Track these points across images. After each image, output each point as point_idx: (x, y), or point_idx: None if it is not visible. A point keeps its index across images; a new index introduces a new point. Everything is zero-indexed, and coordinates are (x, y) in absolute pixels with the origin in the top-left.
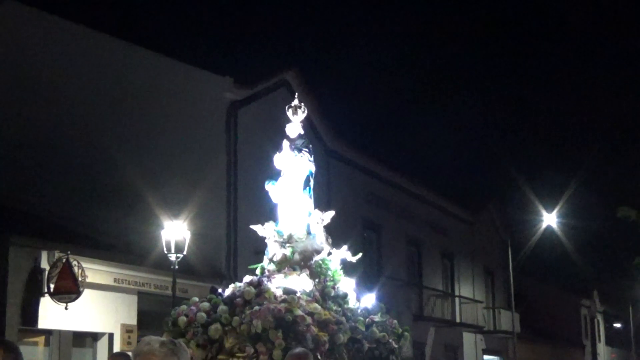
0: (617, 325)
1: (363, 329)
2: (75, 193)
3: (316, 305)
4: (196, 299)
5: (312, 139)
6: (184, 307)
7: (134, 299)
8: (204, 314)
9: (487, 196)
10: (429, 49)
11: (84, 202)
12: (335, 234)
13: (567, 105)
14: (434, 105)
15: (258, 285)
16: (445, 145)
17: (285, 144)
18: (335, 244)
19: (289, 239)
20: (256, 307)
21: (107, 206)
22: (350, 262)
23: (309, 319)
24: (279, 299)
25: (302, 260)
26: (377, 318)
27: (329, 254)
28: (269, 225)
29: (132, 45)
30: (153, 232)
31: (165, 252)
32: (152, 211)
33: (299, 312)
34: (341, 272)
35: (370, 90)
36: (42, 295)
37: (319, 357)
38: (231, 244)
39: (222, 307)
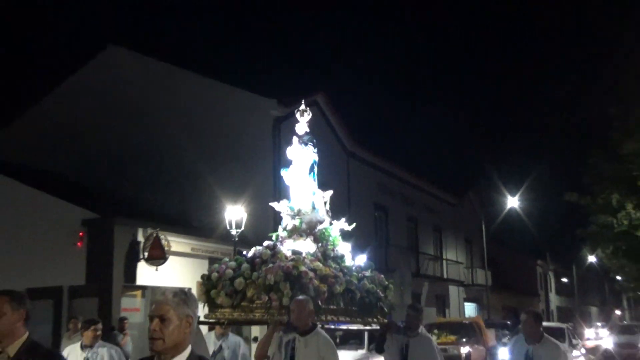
0: (564, 279)
1: (356, 281)
2: (162, 187)
3: (318, 263)
4: (227, 259)
5: (335, 143)
6: (216, 265)
7: (205, 263)
8: (231, 271)
9: (467, 185)
10: (425, 69)
11: (169, 194)
12: (355, 214)
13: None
14: (430, 114)
15: (273, 248)
16: (436, 145)
17: (295, 139)
18: (354, 221)
19: (298, 213)
20: (270, 265)
21: (186, 196)
22: (366, 235)
23: (311, 274)
24: (289, 259)
25: (307, 229)
26: (367, 273)
27: (331, 224)
28: (283, 202)
29: (200, 76)
30: (219, 214)
31: (228, 228)
32: (219, 198)
33: (303, 268)
34: (340, 238)
35: (378, 104)
36: (139, 260)
37: (320, 303)
38: (278, 220)
39: (245, 265)
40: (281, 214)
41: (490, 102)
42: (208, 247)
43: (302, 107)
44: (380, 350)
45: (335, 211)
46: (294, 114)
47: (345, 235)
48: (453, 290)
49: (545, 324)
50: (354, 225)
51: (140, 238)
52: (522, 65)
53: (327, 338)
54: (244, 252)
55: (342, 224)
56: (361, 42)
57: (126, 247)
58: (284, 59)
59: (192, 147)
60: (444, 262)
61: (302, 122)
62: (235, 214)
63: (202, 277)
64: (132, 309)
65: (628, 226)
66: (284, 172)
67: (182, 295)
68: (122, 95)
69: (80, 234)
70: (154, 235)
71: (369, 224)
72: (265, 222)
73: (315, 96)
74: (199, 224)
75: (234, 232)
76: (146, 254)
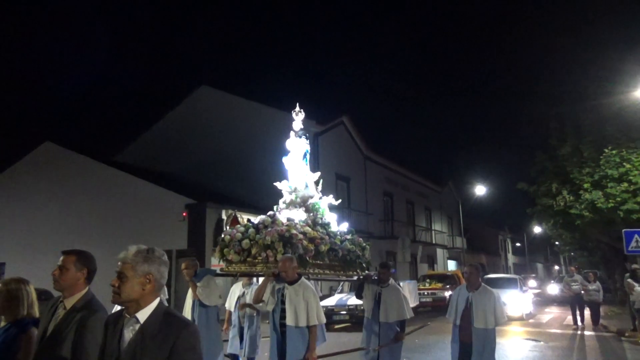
0: (518, 244)
1: (339, 243)
2: (239, 181)
3: (308, 228)
4: (240, 226)
5: (355, 150)
6: (230, 230)
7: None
8: (240, 234)
9: (448, 177)
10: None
11: (244, 185)
12: (370, 199)
13: (491, 127)
14: (422, 127)
15: (273, 216)
16: (425, 148)
17: (292, 133)
18: (369, 204)
19: (295, 190)
20: (269, 229)
21: (254, 187)
22: (378, 213)
23: (301, 236)
24: (284, 224)
25: (301, 202)
26: (349, 237)
27: (320, 198)
28: (284, 182)
29: (260, 104)
30: (277, 199)
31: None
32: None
33: (294, 231)
34: (327, 210)
35: (385, 118)
36: (223, 231)
37: (307, 258)
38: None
39: (251, 230)
40: (282, 191)
41: (464, 115)
42: None
43: (297, 108)
44: (359, 297)
45: (356, 199)
46: (329, 130)
47: (363, 212)
48: (439, 251)
49: (504, 275)
50: (340, 200)
51: (224, 216)
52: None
53: (310, 286)
54: (252, 221)
55: (330, 199)
56: (375, 70)
57: (214, 222)
58: (318, 87)
59: (257, 153)
60: (433, 232)
61: (297, 120)
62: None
63: (219, 238)
64: (218, 265)
65: (564, 207)
66: (284, 159)
67: (144, 253)
68: (211, 118)
69: (184, 214)
70: (233, 214)
71: (380, 206)
72: None
73: (342, 117)
74: (263, 205)
75: None
76: (228, 227)
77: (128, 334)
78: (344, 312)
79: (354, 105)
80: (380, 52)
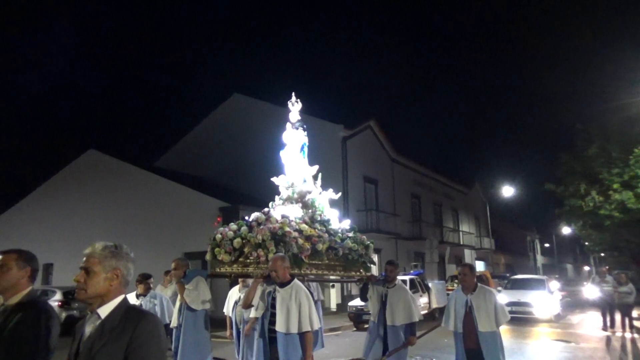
0: (546, 245)
1: (339, 241)
2: (269, 186)
3: (304, 225)
4: (232, 224)
5: (383, 153)
6: (221, 228)
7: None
8: (231, 232)
9: (474, 178)
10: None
11: (273, 190)
12: (398, 202)
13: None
14: (449, 129)
15: (267, 213)
16: (452, 150)
17: (288, 125)
18: (397, 207)
19: (292, 185)
20: (262, 226)
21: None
22: (406, 215)
23: (295, 234)
24: (279, 221)
25: (298, 198)
26: (350, 234)
27: (320, 193)
28: (281, 176)
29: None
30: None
31: None
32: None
33: (287, 228)
34: (328, 205)
35: (412, 120)
36: None
37: (303, 258)
38: (345, 206)
39: (243, 227)
40: (279, 187)
41: (490, 116)
42: None
43: (293, 98)
44: (363, 299)
45: (384, 201)
46: (357, 134)
47: (391, 214)
48: (467, 252)
49: (531, 275)
50: (339, 194)
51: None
52: (518, 89)
53: (303, 288)
54: (246, 217)
55: (330, 193)
56: (402, 74)
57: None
58: (346, 92)
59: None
60: (460, 233)
61: (294, 111)
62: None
63: (210, 237)
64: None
65: (593, 207)
66: (282, 153)
67: (111, 248)
68: (243, 124)
69: (218, 219)
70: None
71: (408, 208)
72: (336, 207)
73: (369, 121)
74: None
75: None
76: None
77: (89, 329)
78: None
79: (381, 109)
80: (407, 55)
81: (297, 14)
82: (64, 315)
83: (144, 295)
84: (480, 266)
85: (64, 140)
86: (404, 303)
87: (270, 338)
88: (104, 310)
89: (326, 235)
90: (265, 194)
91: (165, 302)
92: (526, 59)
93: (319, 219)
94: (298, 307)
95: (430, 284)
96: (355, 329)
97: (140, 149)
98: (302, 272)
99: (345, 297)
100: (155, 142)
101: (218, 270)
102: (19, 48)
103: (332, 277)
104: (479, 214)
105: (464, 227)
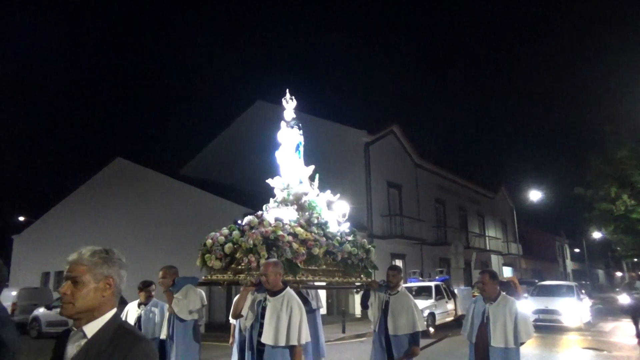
0: (576, 250)
1: (337, 244)
2: None
3: (300, 229)
4: (225, 228)
5: (406, 158)
6: (212, 233)
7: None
8: (223, 237)
9: (500, 182)
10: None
11: None
12: (422, 207)
13: (544, 131)
14: (472, 132)
15: (260, 216)
16: (477, 153)
17: (283, 124)
18: (421, 212)
19: (287, 186)
20: (253, 230)
21: None
22: (430, 220)
23: (289, 238)
24: (272, 225)
25: (294, 200)
26: (350, 238)
27: (317, 195)
28: (277, 178)
29: (314, 116)
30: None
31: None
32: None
33: (280, 232)
34: (326, 208)
35: (435, 125)
36: None
37: (298, 264)
38: (369, 211)
39: (235, 232)
40: (274, 189)
41: (515, 119)
42: None
43: (288, 96)
44: (364, 306)
45: (408, 206)
46: (379, 139)
47: (415, 219)
48: (494, 258)
49: (559, 282)
50: (338, 195)
51: None
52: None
53: (295, 298)
54: (239, 221)
55: (328, 195)
56: (425, 78)
57: None
58: (368, 97)
59: (314, 162)
60: (486, 238)
61: (289, 108)
62: (340, 207)
63: (200, 243)
64: None
65: (624, 211)
66: (277, 153)
67: (102, 254)
68: (266, 130)
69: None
70: None
71: (432, 213)
72: (361, 212)
73: (392, 126)
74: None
75: (340, 219)
76: None
77: (72, 350)
78: None
79: (403, 114)
80: (429, 58)
81: (317, 21)
82: None
83: (146, 304)
84: (507, 272)
85: (94, 149)
86: (406, 311)
87: (259, 351)
88: (92, 328)
89: (323, 239)
90: None
91: (167, 312)
92: (554, 58)
93: (315, 221)
94: (288, 317)
95: (456, 290)
96: None
97: (166, 157)
98: (297, 278)
99: None
100: (181, 150)
101: (209, 277)
102: (51, 60)
103: (323, 284)
104: (505, 219)
105: (490, 232)
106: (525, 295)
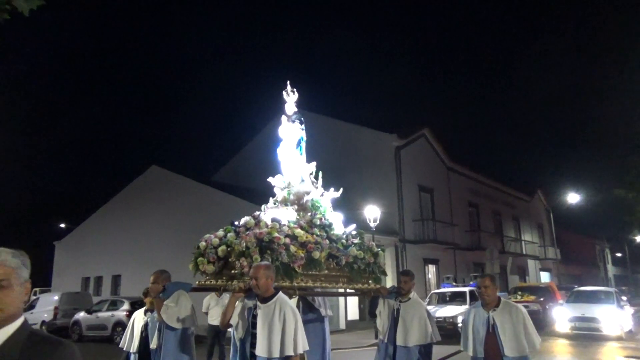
0: (618, 254)
1: (342, 247)
2: None
3: (299, 230)
4: (220, 230)
5: (438, 161)
6: (207, 235)
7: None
8: (217, 239)
9: (536, 185)
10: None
11: (332, 203)
12: (455, 211)
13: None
14: (506, 134)
15: (257, 217)
16: (512, 156)
17: (284, 118)
18: (454, 216)
19: (288, 185)
20: (247, 232)
21: (340, 204)
22: (464, 224)
23: (286, 240)
24: (269, 226)
25: (295, 199)
26: (356, 240)
27: (322, 194)
28: (278, 176)
29: (344, 122)
30: (361, 213)
31: (368, 221)
32: (359, 203)
33: (276, 234)
34: (331, 208)
35: (468, 127)
36: None
37: (296, 268)
38: (400, 216)
39: (230, 234)
40: (274, 188)
41: (551, 120)
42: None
43: (289, 88)
44: (372, 315)
45: (440, 210)
46: (410, 143)
47: (448, 224)
48: (531, 263)
49: (597, 288)
50: (341, 191)
51: None
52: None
53: (288, 303)
54: (235, 222)
55: (333, 193)
56: (456, 80)
57: None
58: (398, 101)
59: (343, 169)
60: (522, 242)
61: (290, 101)
62: (372, 211)
63: (194, 246)
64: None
65: None
66: (278, 150)
67: (21, 256)
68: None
69: None
70: None
71: (465, 216)
72: (392, 217)
73: (423, 130)
74: (354, 221)
75: (372, 223)
76: None
77: None
78: None
79: (435, 117)
80: (460, 61)
81: (345, 25)
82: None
83: (152, 310)
84: (545, 277)
85: (130, 158)
86: (418, 320)
87: None
88: (1, 335)
89: (326, 241)
90: None
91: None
92: (593, 56)
93: (318, 223)
94: (282, 325)
95: None
96: None
97: (199, 164)
98: (295, 284)
99: None
100: (213, 158)
101: (202, 282)
102: (91, 73)
103: (333, 290)
104: (542, 223)
105: (527, 236)
106: (561, 301)
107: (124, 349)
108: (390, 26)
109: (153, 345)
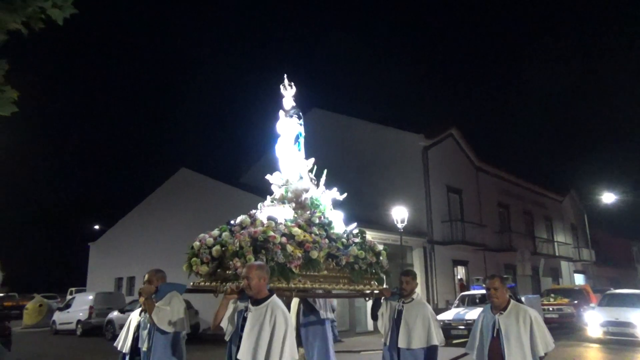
0: None
1: (341, 247)
2: (353, 201)
3: (297, 229)
4: (216, 229)
5: (466, 162)
6: (201, 235)
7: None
8: (211, 239)
9: (569, 185)
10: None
11: (358, 204)
12: (484, 212)
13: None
14: (537, 132)
15: (253, 216)
16: (541, 155)
17: (281, 113)
18: (484, 217)
19: (286, 182)
20: (242, 231)
21: (369, 203)
22: (493, 225)
23: (282, 239)
24: (264, 224)
25: (293, 197)
26: (357, 240)
27: (323, 192)
28: (276, 174)
29: (369, 122)
30: (389, 214)
31: (396, 222)
32: (387, 205)
33: (271, 233)
34: (331, 206)
35: (496, 126)
36: None
37: (293, 268)
38: (428, 217)
39: (225, 233)
40: (272, 186)
41: (584, 116)
42: (383, 235)
43: (286, 81)
44: (374, 317)
45: (469, 211)
46: (438, 143)
47: (477, 225)
48: (564, 264)
49: (632, 291)
50: (345, 195)
51: None
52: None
53: (281, 307)
54: (232, 221)
55: (334, 193)
56: (482, 79)
57: None
58: (425, 100)
59: (373, 171)
60: (555, 243)
61: (288, 96)
62: (400, 212)
63: (188, 246)
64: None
65: None
66: (276, 146)
67: None
68: (324, 137)
69: None
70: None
71: (495, 218)
72: (420, 218)
73: (450, 129)
74: (376, 220)
75: (400, 224)
76: None
77: None
78: (462, 327)
79: (462, 116)
80: (488, 57)
81: (370, 23)
82: None
83: (146, 311)
84: (579, 280)
85: (160, 160)
86: (422, 321)
87: None
88: None
89: (325, 240)
90: (351, 208)
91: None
92: (627, 50)
93: (317, 221)
94: (271, 330)
95: (523, 298)
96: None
97: (227, 166)
98: (293, 285)
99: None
100: (241, 159)
101: (196, 284)
102: (122, 79)
103: (334, 291)
104: (576, 223)
105: (559, 237)
106: (593, 305)
107: (118, 348)
108: (416, 24)
109: (144, 347)
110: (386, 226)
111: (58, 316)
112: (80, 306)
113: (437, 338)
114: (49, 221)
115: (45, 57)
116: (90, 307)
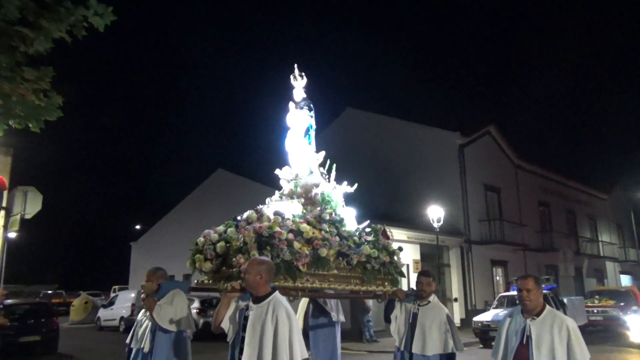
0: None
1: (353, 245)
2: (390, 199)
3: (305, 225)
4: (221, 225)
5: (505, 159)
6: (206, 230)
7: (417, 247)
8: (216, 235)
9: (614, 181)
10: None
11: (393, 203)
12: (524, 211)
13: None
14: (579, 128)
15: (260, 211)
16: (584, 151)
17: (291, 104)
18: (523, 215)
19: (296, 177)
20: (248, 226)
21: (403, 203)
22: (533, 224)
23: (288, 235)
24: (271, 220)
25: (303, 192)
26: (370, 238)
27: (334, 188)
28: (285, 168)
29: (411, 122)
30: (424, 214)
31: (432, 221)
32: (422, 204)
33: (277, 228)
34: (342, 202)
35: (537, 123)
36: None
37: (300, 267)
38: (465, 216)
39: (230, 229)
40: (281, 181)
41: (629, 110)
42: (419, 235)
43: (296, 72)
44: (387, 319)
45: (508, 210)
46: (474, 141)
47: (517, 224)
48: (609, 265)
49: None
50: (355, 186)
51: None
52: None
53: (283, 304)
54: (238, 217)
55: (345, 187)
56: (521, 75)
57: None
58: (462, 98)
59: (409, 169)
60: (600, 243)
61: (298, 87)
62: (435, 211)
63: (192, 242)
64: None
65: None
66: (286, 140)
67: None
68: (359, 137)
69: None
70: (383, 228)
71: (536, 217)
72: (456, 217)
73: (488, 127)
74: (411, 220)
75: (435, 224)
76: None
77: None
78: None
79: (501, 114)
80: (526, 53)
81: (409, 22)
82: (201, 321)
83: None
84: (625, 281)
85: (198, 162)
86: (438, 326)
87: None
88: None
89: (336, 238)
90: (386, 206)
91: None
92: None
93: (327, 218)
94: (274, 329)
95: (565, 300)
96: (482, 345)
97: (262, 166)
98: (300, 285)
99: (470, 312)
100: (276, 159)
101: (200, 281)
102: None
103: (343, 291)
104: (622, 222)
105: (604, 236)
106: (635, 308)
107: (130, 345)
108: (452, 21)
109: (146, 347)
110: (422, 225)
111: (102, 313)
112: (123, 303)
113: (457, 345)
114: (93, 223)
115: (89, 65)
116: (133, 305)
